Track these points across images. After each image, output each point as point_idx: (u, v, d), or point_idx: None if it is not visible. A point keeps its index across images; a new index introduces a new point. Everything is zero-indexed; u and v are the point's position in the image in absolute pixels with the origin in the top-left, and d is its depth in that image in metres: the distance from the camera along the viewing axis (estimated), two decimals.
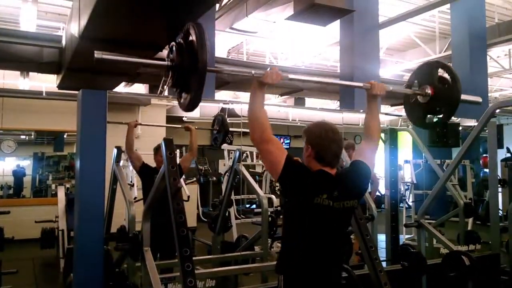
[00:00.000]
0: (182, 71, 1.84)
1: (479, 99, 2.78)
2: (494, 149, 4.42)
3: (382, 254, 4.22)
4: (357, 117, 7.71)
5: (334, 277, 1.94)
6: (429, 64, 2.66)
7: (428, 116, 2.61)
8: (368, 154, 2.11)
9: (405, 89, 2.61)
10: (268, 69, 1.92)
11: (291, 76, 2.05)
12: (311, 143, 1.96)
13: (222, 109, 4.98)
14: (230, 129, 5.04)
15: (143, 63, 2.07)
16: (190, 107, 1.89)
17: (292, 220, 1.92)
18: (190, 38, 1.82)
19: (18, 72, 6.91)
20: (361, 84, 2.27)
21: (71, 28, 4.52)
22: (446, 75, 2.54)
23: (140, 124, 4.42)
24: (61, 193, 6.33)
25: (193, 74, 1.78)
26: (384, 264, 3.71)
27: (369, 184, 3.15)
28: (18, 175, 10.20)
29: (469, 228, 6.34)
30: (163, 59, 1.96)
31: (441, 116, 2.53)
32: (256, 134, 1.88)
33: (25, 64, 5.43)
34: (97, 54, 1.78)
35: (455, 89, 2.44)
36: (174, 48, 1.89)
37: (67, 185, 7.37)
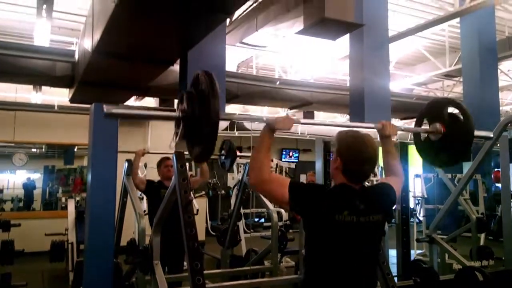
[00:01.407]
0: (194, 122, 1.79)
1: (490, 134, 2.83)
2: (506, 163, 4.36)
3: (393, 269, 4.15)
4: (367, 131, 7.69)
5: None
6: (438, 101, 2.70)
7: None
8: (394, 183, 2.01)
9: (417, 128, 2.64)
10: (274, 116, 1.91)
11: (302, 121, 2.02)
12: (342, 158, 1.84)
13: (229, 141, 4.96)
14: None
15: (153, 115, 2.07)
16: (202, 158, 1.85)
17: (313, 240, 1.81)
18: (201, 87, 1.79)
19: (31, 86, 7.02)
20: (372, 125, 2.24)
21: (84, 43, 4.61)
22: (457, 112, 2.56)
23: (148, 153, 4.51)
24: (71, 206, 6.36)
25: (205, 125, 1.74)
26: (395, 279, 3.65)
27: None
28: (29, 188, 10.29)
29: (482, 243, 6.24)
30: (173, 110, 1.91)
31: (453, 154, 2.53)
32: (252, 177, 1.82)
33: (39, 78, 5.52)
34: (107, 109, 1.75)
35: (468, 126, 2.44)
36: (184, 98, 1.84)
37: (77, 198, 7.42)
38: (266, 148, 1.84)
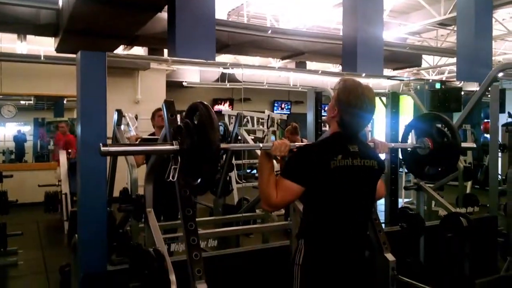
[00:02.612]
0: (193, 155, 1.75)
1: (474, 145, 3.00)
2: (496, 113, 4.40)
3: (381, 217, 4.28)
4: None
5: (359, 242, 1.86)
6: (425, 116, 2.79)
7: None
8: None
9: (406, 144, 2.75)
10: (270, 142, 1.89)
11: (298, 145, 1.97)
12: (340, 109, 1.82)
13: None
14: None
15: (149, 150, 2.02)
16: (202, 191, 1.88)
17: (312, 192, 1.80)
18: (198, 118, 1.76)
19: (15, 36, 6.80)
20: None
21: None
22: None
23: (140, 138, 4.44)
24: (63, 157, 6.37)
25: (205, 158, 1.71)
26: (383, 226, 3.78)
27: None
28: (19, 140, 10.24)
29: (468, 191, 6.41)
30: (171, 144, 1.86)
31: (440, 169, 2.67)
32: (265, 205, 1.84)
33: (22, 26, 5.36)
34: (103, 148, 1.68)
35: (454, 143, 2.53)
36: (182, 130, 1.80)
37: (69, 150, 7.42)
38: (267, 174, 1.83)
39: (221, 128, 4.96)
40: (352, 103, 1.79)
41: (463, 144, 2.72)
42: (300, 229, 1.92)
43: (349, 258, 1.82)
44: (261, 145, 1.95)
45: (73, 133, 7.45)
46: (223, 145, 1.85)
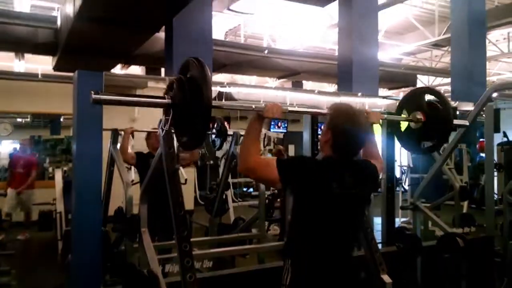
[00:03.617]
0: (185, 109, 1.75)
1: (466, 122, 3.04)
2: (490, 133, 4.42)
3: (378, 236, 4.25)
4: (354, 101, 7.70)
5: (345, 266, 1.87)
6: (416, 90, 2.80)
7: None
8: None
9: (398, 116, 2.71)
10: (263, 104, 1.91)
11: (290, 109, 2.00)
12: (333, 133, 1.83)
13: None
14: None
15: (141, 101, 2.02)
16: (192, 146, 1.86)
17: (301, 209, 1.81)
18: (191, 73, 1.75)
19: (13, 54, 6.84)
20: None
21: (66, 8, 4.48)
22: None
23: (136, 131, 4.44)
24: (58, 176, 6.33)
25: (197, 113, 1.71)
26: (379, 246, 3.75)
27: None
28: None
29: (464, 211, 6.39)
30: (163, 97, 1.84)
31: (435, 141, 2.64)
32: (241, 166, 1.84)
33: (20, 45, 5.39)
34: (95, 96, 1.68)
35: (447, 112, 2.53)
36: (175, 85, 1.80)
37: (65, 168, 7.37)
38: (254, 136, 1.85)
39: (218, 124, 5.00)
40: (345, 126, 1.81)
41: (455, 121, 2.71)
42: (287, 247, 1.91)
43: (336, 281, 1.82)
44: (253, 105, 1.94)
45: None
46: (215, 103, 1.82)
